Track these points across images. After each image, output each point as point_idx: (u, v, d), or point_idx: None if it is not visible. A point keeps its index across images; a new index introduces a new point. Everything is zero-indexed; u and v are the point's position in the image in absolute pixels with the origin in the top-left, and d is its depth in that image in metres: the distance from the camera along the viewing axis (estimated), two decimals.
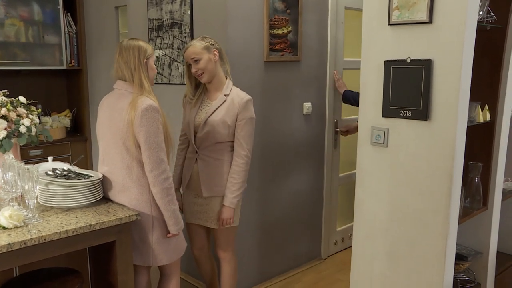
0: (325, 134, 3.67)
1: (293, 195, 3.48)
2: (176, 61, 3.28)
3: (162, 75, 3.43)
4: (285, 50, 3.22)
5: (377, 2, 2.12)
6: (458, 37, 1.90)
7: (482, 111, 2.36)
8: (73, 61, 4.38)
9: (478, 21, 2.14)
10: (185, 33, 3.17)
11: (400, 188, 2.15)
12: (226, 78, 2.52)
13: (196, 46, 2.42)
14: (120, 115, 2.12)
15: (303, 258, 3.67)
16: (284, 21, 3.18)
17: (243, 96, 2.47)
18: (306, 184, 3.57)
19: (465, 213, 2.38)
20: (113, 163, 2.24)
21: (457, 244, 2.55)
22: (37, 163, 2.50)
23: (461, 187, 2.24)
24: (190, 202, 2.64)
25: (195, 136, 2.51)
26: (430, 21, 1.96)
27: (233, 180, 2.48)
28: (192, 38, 3.13)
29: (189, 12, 3.12)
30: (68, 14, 4.38)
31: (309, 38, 3.38)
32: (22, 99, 2.49)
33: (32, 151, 4.07)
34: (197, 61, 2.41)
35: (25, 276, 2.18)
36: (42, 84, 4.51)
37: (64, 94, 4.57)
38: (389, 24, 2.08)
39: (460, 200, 2.24)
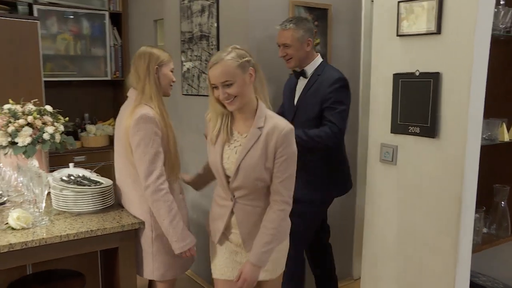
0: (357, 149, 3.55)
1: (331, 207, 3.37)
2: (204, 73, 3.33)
3: (191, 86, 3.49)
4: None
5: (387, 12, 2.03)
6: (467, 49, 1.77)
7: (508, 130, 2.18)
8: (117, 72, 4.59)
9: (503, 31, 1.98)
10: (212, 45, 3.22)
11: (409, 208, 2.02)
12: (257, 101, 1.93)
13: (229, 64, 1.80)
14: (123, 124, 2.17)
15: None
16: None
17: (283, 126, 1.86)
18: (336, 199, 3.45)
19: (487, 241, 2.19)
20: (120, 171, 2.29)
21: (482, 275, 2.37)
22: (81, 168, 2.61)
23: (481, 212, 2.08)
24: (228, 257, 2.04)
25: (227, 182, 1.95)
26: (438, 31, 1.85)
27: (266, 230, 1.90)
28: (218, 50, 3.16)
29: (215, 24, 3.16)
30: (114, 28, 4.61)
31: (339, 49, 3.30)
32: (48, 108, 2.63)
33: (76, 157, 4.28)
34: (229, 85, 1.81)
35: (35, 275, 2.29)
36: (89, 94, 4.76)
37: (109, 104, 4.78)
38: (397, 35, 1.99)
39: (479, 225, 2.07)
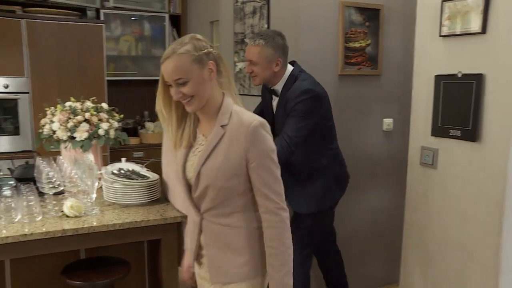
0: (408, 151, 3.46)
1: (368, 213, 3.34)
2: None
3: (243, 86, 3.57)
4: (362, 64, 3.13)
5: (430, 12, 1.98)
6: None
7: None
8: None
9: None
10: None
11: (449, 213, 1.97)
12: (223, 96, 1.62)
13: (182, 59, 1.50)
14: None
15: (378, 281, 3.49)
16: (362, 34, 3.10)
17: (250, 120, 1.55)
18: (385, 202, 3.40)
19: None
20: (166, 166, 2.41)
21: None
22: (139, 163, 2.76)
23: None
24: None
25: (190, 193, 1.66)
26: (483, 31, 1.78)
27: (274, 250, 1.58)
28: None
29: (266, 25, 3.22)
30: (174, 29, 4.81)
31: (391, 51, 3.24)
32: (104, 105, 2.80)
33: (135, 153, 4.51)
34: (184, 83, 1.51)
35: (87, 260, 2.46)
36: (148, 93, 4.99)
37: None
38: (440, 35, 1.94)
39: None
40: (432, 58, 1.98)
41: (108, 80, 4.18)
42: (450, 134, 1.90)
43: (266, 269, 1.62)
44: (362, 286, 3.41)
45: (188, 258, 1.82)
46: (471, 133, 1.82)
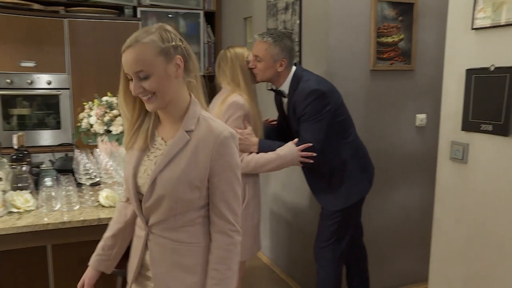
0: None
1: (400, 209, 3.31)
2: None
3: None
4: (395, 59, 3.10)
5: (462, 4, 1.95)
6: None
7: None
8: (210, 67, 4.85)
9: None
10: (295, 42, 3.28)
11: (479, 209, 1.94)
12: (190, 98, 1.45)
13: (146, 49, 1.33)
14: (214, 112, 2.38)
15: (409, 278, 3.45)
16: (395, 29, 3.07)
17: (221, 130, 1.40)
18: (417, 199, 3.36)
19: None
20: None
21: None
22: None
23: None
24: None
25: (140, 203, 1.45)
26: None
27: (218, 274, 1.41)
28: (300, 47, 3.23)
29: (298, 21, 3.23)
30: (208, 26, 4.88)
31: (425, 45, 3.19)
32: None
33: None
34: (145, 77, 1.35)
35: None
36: None
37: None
38: (472, 28, 1.90)
39: None
40: (464, 51, 1.95)
41: None
42: (481, 128, 1.87)
43: None
44: (391, 282, 3.39)
45: (91, 274, 1.62)
46: (503, 128, 1.79)
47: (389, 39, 3.07)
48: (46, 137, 3.98)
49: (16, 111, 3.95)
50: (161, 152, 1.43)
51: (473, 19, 1.91)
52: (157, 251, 1.44)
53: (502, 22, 1.78)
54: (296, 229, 3.47)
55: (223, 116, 2.32)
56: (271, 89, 2.60)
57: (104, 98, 2.81)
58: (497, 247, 1.88)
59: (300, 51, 3.24)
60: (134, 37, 1.34)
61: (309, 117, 2.35)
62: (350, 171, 2.52)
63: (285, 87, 2.48)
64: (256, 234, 2.48)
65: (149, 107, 1.39)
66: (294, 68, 2.48)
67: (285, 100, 2.55)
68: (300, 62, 3.24)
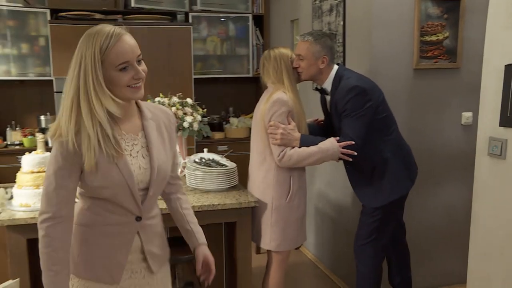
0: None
1: (443, 208, 3.29)
2: None
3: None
4: (439, 57, 3.10)
5: (502, 1, 1.97)
6: None
7: None
8: (258, 69, 4.99)
9: None
10: (339, 42, 3.36)
11: None
12: None
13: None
14: (260, 109, 2.57)
15: (450, 278, 3.41)
16: (439, 27, 3.07)
17: (165, 109, 1.68)
18: (461, 198, 3.32)
19: None
20: (252, 154, 2.67)
21: None
22: (224, 157, 2.99)
23: None
24: None
25: (140, 197, 1.54)
26: None
27: (190, 211, 1.83)
28: (344, 47, 3.30)
29: (342, 23, 3.30)
30: (257, 29, 5.03)
31: (472, 42, 3.16)
32: (189, 100, 3.07)
33: (220, 146, 4.80)
34: (139, 61, 1.49)
35: (171, 238, 2.69)
36: (233, 90, 5.27)
37: (251, 98, 5.19)
38: None
39: None
40: (503, 47, 1.96)
41: (195, 78, 4.51)
42: None
43: None
44: (431, 281, 3.36)
45: None
46: None
47: (433, 38, 3.07)
48: None
49: None
50: (140, 145, 1.53)
51: None
52: (146, 232, 1.59)
53: None
54: (340, 226, 3.53)
55: (268, 113, 2.45)
56: (316, 89, 2.69)
57: (157, 99, 3.00)
58: None
59: (344, 51, 3.31)
60: (119, 27, 1.44)
61: (350, 113, 2.42)
62: (392, 168, 2.56)
63: (327, 85, 2.56)
64: (300, 225, 2.59)
65: (140, 93, 1.48)
66: (336, 67, 2.56)
67: (328, 98, 2.63)
68: (344, 62, 3.31)
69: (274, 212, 2.48)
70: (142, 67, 1.47)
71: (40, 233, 1.44)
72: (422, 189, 3.19)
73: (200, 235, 1.76)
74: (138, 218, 1.56)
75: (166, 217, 2.34)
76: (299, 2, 4.06)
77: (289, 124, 2.45)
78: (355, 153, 2.41)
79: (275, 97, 2.45)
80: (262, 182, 2.53)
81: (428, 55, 3.08)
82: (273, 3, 4.96)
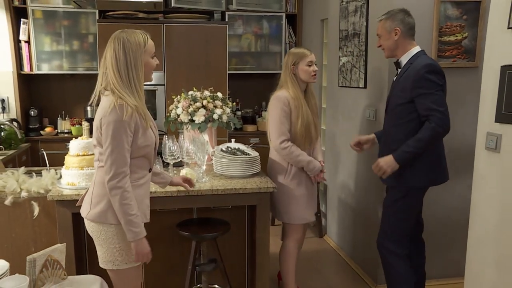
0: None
1: (464, 199, 3.40)
2: (355, 67, 3.68)
3: (345, 79, 3.87)
4: (457, 57, 3.23)
5: (502, 3, 2.11)
6: None
7: None
8: None
9: None
10: (362, 42, 3.54)
11: (510, 196, 2.09)
12: None
13: None
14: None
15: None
16: (458, 28, 3.20)
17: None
18: (458, 191, 3.43)
19: None
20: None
21: None
22: (255, 149, 3.22)
23: None
24: None
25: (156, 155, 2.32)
26: None
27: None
28: (366, 47, 3.47)
29: (365, 23, 3.47)
30: (290, 27, 5.24)
31: None
32: (219, 94, 3.34)
33: (252, 138, 5.07)
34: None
35: (197, 219, 3.01)
36: (266, 85, 5.49)
37: None
38: (508, 27, 2.06)
39: None
40: (500, 49, 2.10)
41: (230, 74, 4.79)
42: None
43: None
44: (450, 271, 3.48)
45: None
46: None
47: (452, 38, 3.20)
48: None
49: None
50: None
51: (510, 18, 2.06)
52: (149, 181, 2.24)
53: None
54: (360, 217, 3.72)
55: (269, 108, 3.02)
56: (394, 62, 2.82)
57: (190, 92, 3.29)
58: None
59: (365, 50, 3.49)
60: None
61: (428, 89, 2.51)
62: (436, 153, 2.67)
63: (404, 59, 2.71)
64: (304, 202, 2.99)
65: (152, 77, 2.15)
66: (418, 48, 2.72)
67: (398, 71, 2.75)
68: (366, 61, 3.48)
69: (279, 189, 2.89)
70: None
71: (118, 191, 1.96)
72: (443, 185, 3.33)
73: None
74: (150, 170, 2.18)
75: (193, 199, 2.66)
76: (329, 2, 4.25)
77: (290, 119, 2.91)
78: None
79: (275, 95, 2.99)
80: (278, 162, 3.00)
81: (446, 54, 3.21)
82: (305, 3, 5.16)
